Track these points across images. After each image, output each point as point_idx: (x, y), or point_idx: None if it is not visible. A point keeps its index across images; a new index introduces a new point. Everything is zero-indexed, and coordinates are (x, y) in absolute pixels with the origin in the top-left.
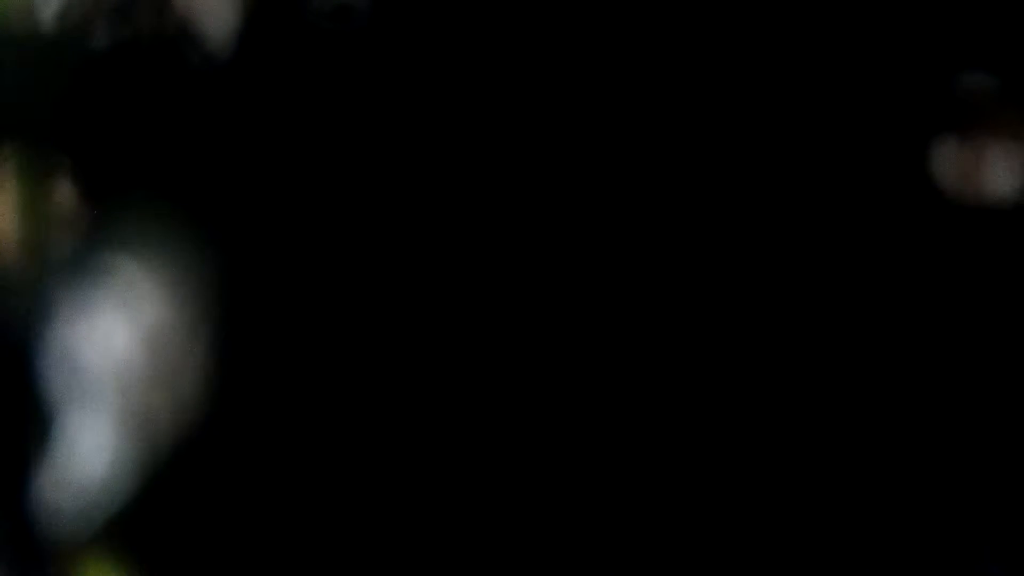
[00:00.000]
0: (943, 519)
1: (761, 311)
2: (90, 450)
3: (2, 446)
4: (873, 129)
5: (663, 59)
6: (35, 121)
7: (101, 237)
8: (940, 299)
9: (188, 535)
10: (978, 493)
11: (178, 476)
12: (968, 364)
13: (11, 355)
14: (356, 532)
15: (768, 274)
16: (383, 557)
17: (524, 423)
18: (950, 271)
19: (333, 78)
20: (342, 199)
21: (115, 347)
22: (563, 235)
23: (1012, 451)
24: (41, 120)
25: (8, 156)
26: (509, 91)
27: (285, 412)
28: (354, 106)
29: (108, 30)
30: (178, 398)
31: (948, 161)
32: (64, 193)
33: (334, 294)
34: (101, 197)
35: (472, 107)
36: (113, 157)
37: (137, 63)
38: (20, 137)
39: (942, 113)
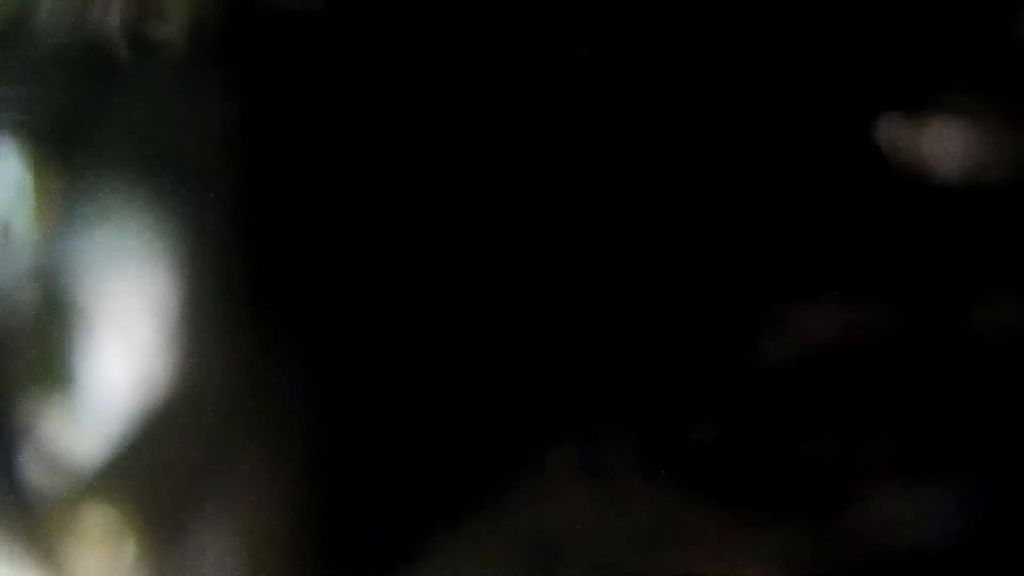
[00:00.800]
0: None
1: (712, 289)
2: (93, 402)
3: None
4: (817, 103)
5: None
6: (38, 111)
7: (108, 220)
8: (888, 275)
9: (184, 491)
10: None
11: (180, 435)
12: (916, 340)
13: (17, 318)
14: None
15: (714, 249)
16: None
17: (519, 421)
18: (897, 248)
19: (305, 60)
20: (328, 187)
21: (124, 311)
22: (561, 234)
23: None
24: (42, 111)
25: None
26: (496, 80)
27: (290, 384)
28: (329, 90)
29: (89, 23)
30: (182, 358)
31: (894, 137)
32: (71, 180)
33: (333, 278)
34: (102, 184)
35: (456, 94)
36: (113, 145)
37: (125, 50)
38: (28, 127)
39: (889, 88)
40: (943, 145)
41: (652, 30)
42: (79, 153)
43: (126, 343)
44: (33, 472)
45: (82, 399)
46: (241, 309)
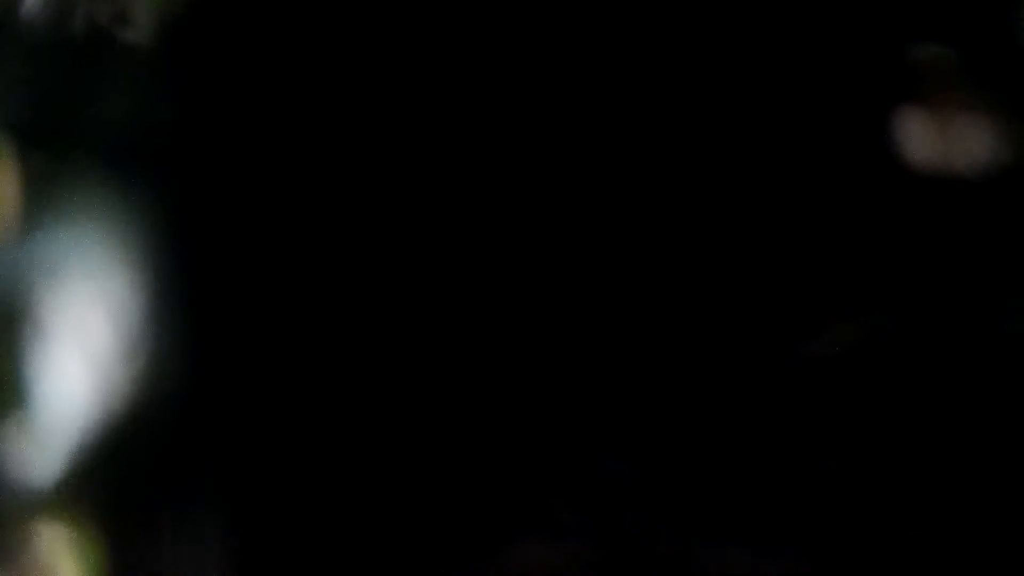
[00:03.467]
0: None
1: (730, 300)
2: (51, 417)
3: None
4: (835, 103)
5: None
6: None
7: (68, 221)
8: (909, 275)
9: (145, 498)
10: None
11: (137, 441)
12: (938, 345)
13: None
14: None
15: (733, 259)
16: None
17: (520, 422)
18: (921, 247)
19: (288, 53)
20: (304, 188)
21: (82, 323)
22: (559, 234)
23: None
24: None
25: None
26: (489, 79)
27: (246, 390)
28: (309, 84)
29: (71, 15)
30: (141, 371)
31: (915, 135)
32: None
33: (297, 284)
34: (60, 185)
35: (427, 97)
36: (75, 146)
37: (93, 48)
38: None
39: (907, 86)
40: (967, 143)
41: (667, 31)
42: (38, 155)
43: (83, 356)
44: None
45: (38, 415)
46: (203, 321)
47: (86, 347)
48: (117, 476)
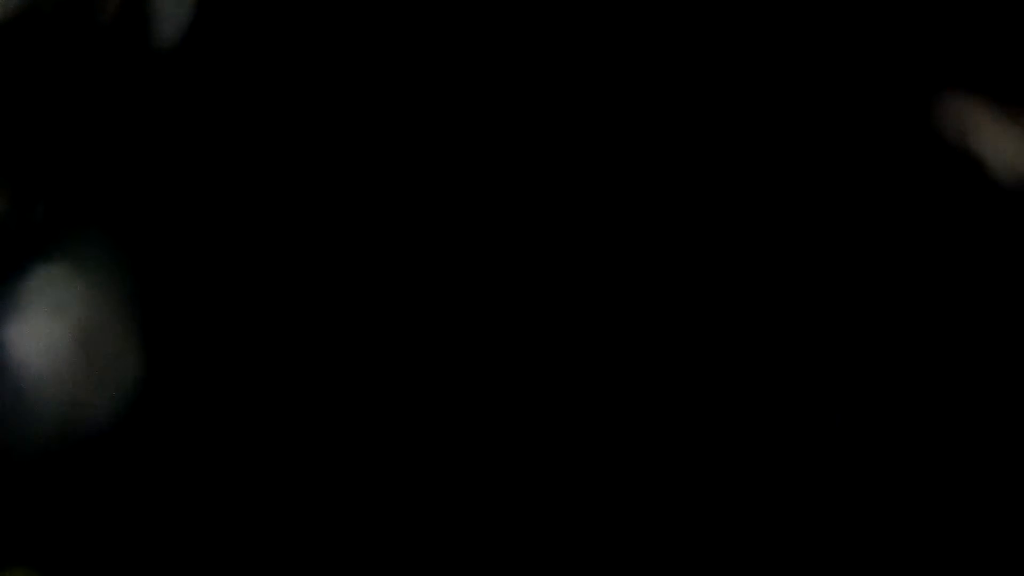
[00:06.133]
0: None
1: (769, 300)
2: (19, 445)
3: None
4: (901, 107)
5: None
6: None
7: (35, 237)
8: (976, 286)
9: (112, 533)
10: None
11: (107, 474)
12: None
13: None
14: (288, 533)
15: (778, 259)
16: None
17: (520, 424)
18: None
19: (282, 66)
20: (287, 193)
21: (47, 346)
22: (559, 234)
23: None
24: None
25: None
26: (488, 84)
27: (216, 409)
28: (299, 96)
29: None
30: (108, 396)
31: (993, 138)
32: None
33: (266, 291)
34: (36, 197)
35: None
36: (49, 156)
37: (79, 56)
38: None
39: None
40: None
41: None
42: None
43: (57, 396)
44: None
45: (10, 449)
46: (181, 353)
47: (53, 391)
48: (80, 512)
